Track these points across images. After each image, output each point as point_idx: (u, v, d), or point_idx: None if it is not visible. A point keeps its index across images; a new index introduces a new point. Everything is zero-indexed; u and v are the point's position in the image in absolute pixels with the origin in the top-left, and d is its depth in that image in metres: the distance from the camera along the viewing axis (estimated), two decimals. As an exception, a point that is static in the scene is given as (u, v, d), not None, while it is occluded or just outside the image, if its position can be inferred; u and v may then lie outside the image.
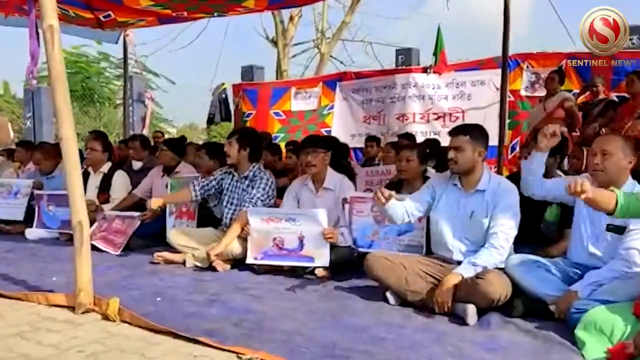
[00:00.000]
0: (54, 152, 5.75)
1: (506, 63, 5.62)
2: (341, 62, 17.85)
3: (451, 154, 3.13)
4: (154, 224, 4.56)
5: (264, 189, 4.10)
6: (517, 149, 7.43)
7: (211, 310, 2.88)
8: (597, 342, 2.34)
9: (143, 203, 5.15)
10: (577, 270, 2.87)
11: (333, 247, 3.61)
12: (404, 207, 3.19)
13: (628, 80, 5.60)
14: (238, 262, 3.87)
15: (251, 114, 9.87)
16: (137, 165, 5.74)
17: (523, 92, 7.66)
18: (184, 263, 3.96)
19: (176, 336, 2.51)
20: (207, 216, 4.61)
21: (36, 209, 5.28)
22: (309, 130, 8.81)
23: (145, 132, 11.16)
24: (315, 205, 3.91)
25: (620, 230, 2.75)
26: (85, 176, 5.02)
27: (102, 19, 6.07)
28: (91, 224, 4.02)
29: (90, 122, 17.43)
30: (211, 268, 3.79)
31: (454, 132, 3.20)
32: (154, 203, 4.16)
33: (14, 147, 7.70)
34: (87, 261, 2.92)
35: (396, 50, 9.66)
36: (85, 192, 3.37)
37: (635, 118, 5.25)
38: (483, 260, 2.90)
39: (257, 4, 5.56)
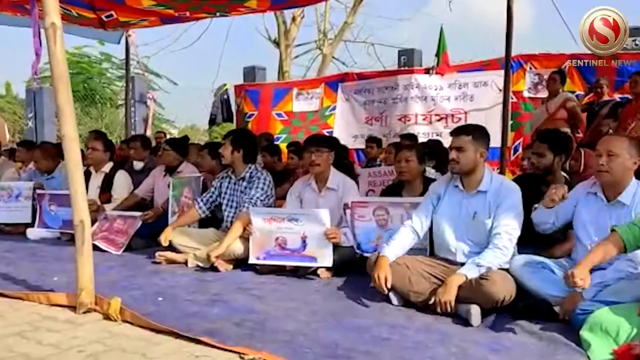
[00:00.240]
0: (54, 151, 5.74)
1: (509, 64, 5.60)
2: (343, 63, 17.91)
3: (453, 154, 3.11)
4: (156, 224, 4.54)
5: (262, 189, 4.08)
6: (520, 150, 7.41)
7: (213, 310, 2.86)
8: (602, 343, 2.32)
9: (145, 203, 5.15)
10: (582, 271, 2.85)
11: (336, 247, 3.59)
12: (411, 233, 3.20)
13: (632, 81, 5.58)
14: (240, 262, 3.85)
15: (253, 114, 9.85)
16: (138, 165, 5.73)
17: (526, 94, 7.64)
18: (185, 263, 3.94)
19: (178, 336, 2.49)
20: (208, 217, 4.59)
21: (38, 209, 5.27)
22: (311, 131, 8.78)
23: (148, 133, 11.15)
24: (318, 205, 3.90)
25: (625, 231, 2.73)
26: (87, 176, 5.00)
27: (105, 18, 6.08)
28: (92, 224, 4.02)
29: (91, 122, 17.43)
30: (213, 268, 3.77)
31: (455, 132, 3.18)
32: (165, 239, 4.05)
33: (14, 147, 7.71)
34: (88, 260, 2.90)
35: (398, 51, 9.66)
36: (86, 192, 3.35)
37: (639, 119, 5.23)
38: (487, 261, 2.87)
39: (260, 4, 5.56)
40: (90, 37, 8.23)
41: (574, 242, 3.04)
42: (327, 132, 8.85)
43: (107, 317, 2.77)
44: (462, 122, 7.64)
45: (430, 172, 4.57)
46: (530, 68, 7.61)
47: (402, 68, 9.01)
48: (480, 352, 2.35)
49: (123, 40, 7.96)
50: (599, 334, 2.35)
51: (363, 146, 7.88)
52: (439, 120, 8.24)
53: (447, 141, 4.53)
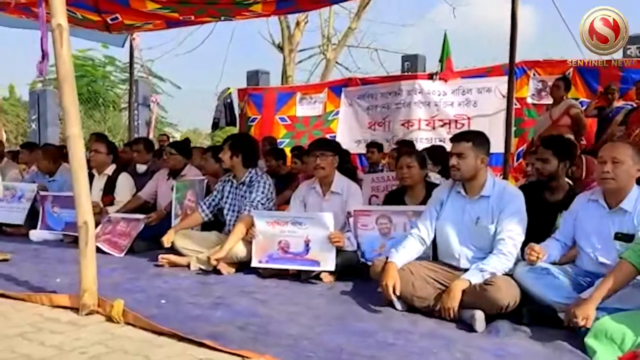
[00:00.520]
0: (55, 153, 5.75)
1: (513, 70, 5.60)
2: (347, 69, 17.92)
3: (453, 161, 3.10)
4: (159, 226, 4.54)
5: (263, 192, 4.08)
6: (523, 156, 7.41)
7: (216, 313, 2.86)
8: (607, 350, 2.31)
9: (148, 206, 5.15)
10: (587, 278, 2.84)
11: (339, 251, 3.59)
12: (419, 243, 3.19)
13: (637, 88, 5.57)
14: (243, 266, 3.85)
15: (256, 118, 9.86)
16: (141, 168, 5.73)
17: (529, 100, 7.64)
18: (188, 266, 3.93)
19: (180, 339, 2.49)
20: (211, 220, 4.58)
21: (40, 210, 5.27)
22: (314, 135, 8.78)
23: (150, 136, 11.18)
24: (322, 209, 3.90)
25: (628, 238, 2.72)
26: (90, 179, 4.99)
27: (110, 21, 6.10)
28: (96, 226, 4.01)
29: (94, 125, 17.47)
30: (216, 271, 3.77)
31: (455, 139, 3.17)
32: (167, 241, 4.07)
33: (18, 149, 7.72)
34: (92, 262, 2.90)
35: (402, 56, 9.67)
36: (90, 194, 3.34)
37: (644, 126, 5.22)
38: (491, 267, 2.86)
39: (265, 8, 5.57)
40: (94, 40, 8.28)
41: (577, 249, 3.02)
42: (330, 136, 8.82)
43: (109, 319, 2.76)
44: (465, 128, 7.65)
45: (436, 177, 4.56)
46: (534, 74, 7.61)
47: (406, 73, 9.00)
48: (484, 358, 2.33)
49: (127, 44, 7.99)
50: (604, 341, 2.34)
51: (365, 151, 7.88)
52: (442, 125, 8.23)
53: (450, 147, 4.53)
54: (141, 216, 4.67)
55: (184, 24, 6.65)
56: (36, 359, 2.30)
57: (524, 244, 3.02)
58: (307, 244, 3.60)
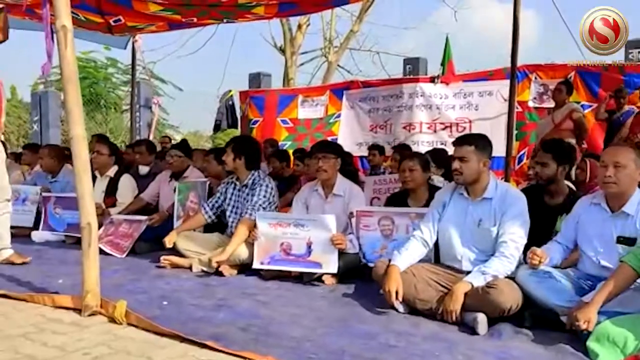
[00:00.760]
0: (60, 153, 5.75)
1: (514, 74, 5.61)
2: (348, 72, 17.95)
3: (456, 165, 3.10)
4: (161, 228, 4.55)
5: (264, 196, 4.08)
6: (525, 160, 7.41)
7: (218, 315, 2.86)
8: (609, 353, 2.31)
9: (150, 208, 5.15)
10: (589, 281, 2.84)
11: (341, 253, 3.59)
12: (422, 246, 3.19)
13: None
14: (244, 268, 3.85)
15: (258, 121, 9.87)
16: (143, 170, 5.74)
17: (531, 104, 7.66)
18: (190, 268, 3.93)
19: (183, 340, 2.49)
20: (214, 222, 4.59)
21: (43, 211, 5.28)
22: (315, 138, 8.78)
23: (151, 138, 11.17)
24: (324, 211, 3.90)
25: (631, 241, 2.72)
26: (92, 180, 5.00)
27: (112, 23, 6.12)
28: (98, 228, 4.01)
29: (96, 127, 17.49)
30: (217, 273, 3.77)
31: (458, 143, 3.17)
32: (169, 242, 4.07)
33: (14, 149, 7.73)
34: (94, 263, 2.90)
35: (404, 59, 9.66)
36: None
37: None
38: (493, 269, 2.86)
39: (267, 10, 5.59)
40: (97, 41, 8.30)
41: (579, 253, 3.03)
42: (332, 139, 8.85)
43: (112, 320, 2.76)
44: (466, 131, 7.66)
45: (439, 180, 4.56)
46: (536, 78, 7.62)
47: (408, 76, 9.02)
48: (487, 360, 2.33)
49: (129, 46, 8.02)
50: (606, 344, 2.34)
51: (367, 154, 7.89)
52: (443, 129, 8.25)
53: (452, 150, 4.54)
54: (143, 218, 4.68)
55: (187, 25, 6.67)
56: (40, 359, 2.30)
57: (526, 248, 3.03)
58: (309, 246, 3.60)
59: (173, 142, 9.63)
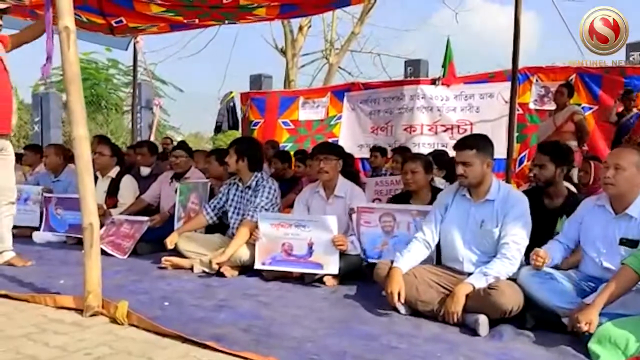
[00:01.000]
0: (66, 152, 5.76)
1: (516, 76, 5.62)
2: (349, 73, 17.97)
3: (460, 170, 3.09)
4: (162, 229, 4.55)
5: (267, 197, 4.08)
6: (525, 162, 7.41)
7: (219, 316, 2.86)
8: (611, 355, 2.31)
9: (152, 208, 5.16)
10: (591, 283, 2.83)
11: (342, 254, 3.59)
12: (425, 247, 3.19)
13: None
14: (245, 269, 3.85)
15: (259, 122, 9.89)
16: (145, 171, 5.74)
17: (532, 106, 7.65)
18: (191, 269, 3.93)
19: (184, 340, 2.49)
20: (216, 223, 4.59)
21: (44, 212, 5.28)
22: (316, 140, 8.80)
23: (152, 139, 11.18)
24: (325, 212, 3.90)
25: (634, 243, 2.72)
26: (93, 181, 5.01)
27: (114, 24, 6.12)
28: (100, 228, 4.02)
29: (97, 128, 17.51)
30: (219, 274, 3.77)
31: (459, 147, 3.14)
32: (170, 243, 4.07)
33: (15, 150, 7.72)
34: (96, 263, 2.90)
35: (405, 61, 9.67)
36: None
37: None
38: (495, 271, 2.86)
39: (268, 12, 5.60)
40: (98, 43, 8.30)
41: (581, 254, 3.03)
42: (333, 141, 8.85)
43: (113, 320, 2.76)
44: (467, 133, 7.63)
45: (441, 182, 4.56)
46: (537, 80, 7.62)
47: (408, 78, 9.03)
48: (488, 362, 2.33)
49: (131, 47, 8.02)
50: (608, 346, 2.34)
51: (368, 155, 7.90)
52: (444, 130, 8.25)
53: (453, 152, 4.55)
54: (145, 218, 4.68)
55: (188, 27, 6.68)
56: (41, 359, 2.30)
57: (528, 249, 3.03)
58: (310, 246, 3.60)
59: (174, 143, 9.63)
